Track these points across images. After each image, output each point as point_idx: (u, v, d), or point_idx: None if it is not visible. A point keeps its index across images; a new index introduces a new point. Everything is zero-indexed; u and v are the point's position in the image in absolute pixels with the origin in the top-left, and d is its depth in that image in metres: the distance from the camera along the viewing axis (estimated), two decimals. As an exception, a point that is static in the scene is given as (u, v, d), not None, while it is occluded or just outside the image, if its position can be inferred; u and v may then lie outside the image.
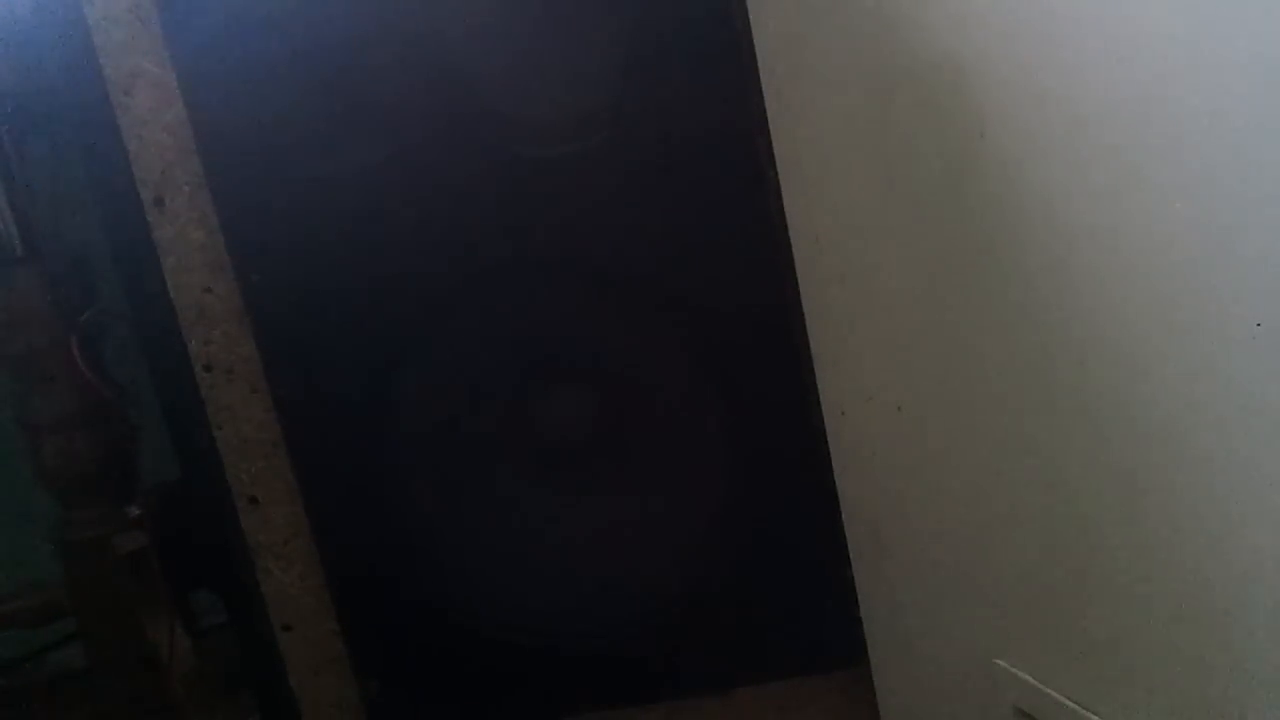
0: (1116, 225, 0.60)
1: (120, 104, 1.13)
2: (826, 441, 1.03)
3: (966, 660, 0.86)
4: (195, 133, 1.13)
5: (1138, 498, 0.63)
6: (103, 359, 1.22)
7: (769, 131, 0.99)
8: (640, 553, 1.22)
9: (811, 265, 0.98)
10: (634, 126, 1.12)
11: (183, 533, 1.24)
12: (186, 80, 1.12)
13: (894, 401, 0.88)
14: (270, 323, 1.17)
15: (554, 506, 1.22)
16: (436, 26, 1.11)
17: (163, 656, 1.19)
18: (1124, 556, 0.66)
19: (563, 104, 1.13)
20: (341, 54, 1.11)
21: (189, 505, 1.24)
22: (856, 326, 0.92)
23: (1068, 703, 0.74)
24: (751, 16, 0.96)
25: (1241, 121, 0.51)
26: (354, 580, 1.24)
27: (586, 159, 1.13)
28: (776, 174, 0.99)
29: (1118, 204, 0.59)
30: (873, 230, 0.85)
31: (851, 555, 1.04)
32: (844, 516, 1.04)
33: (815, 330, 1.00)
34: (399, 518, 1.22)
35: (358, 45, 1.11)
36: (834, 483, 1.04)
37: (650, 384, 1.20)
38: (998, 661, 0.81)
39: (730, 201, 1.13)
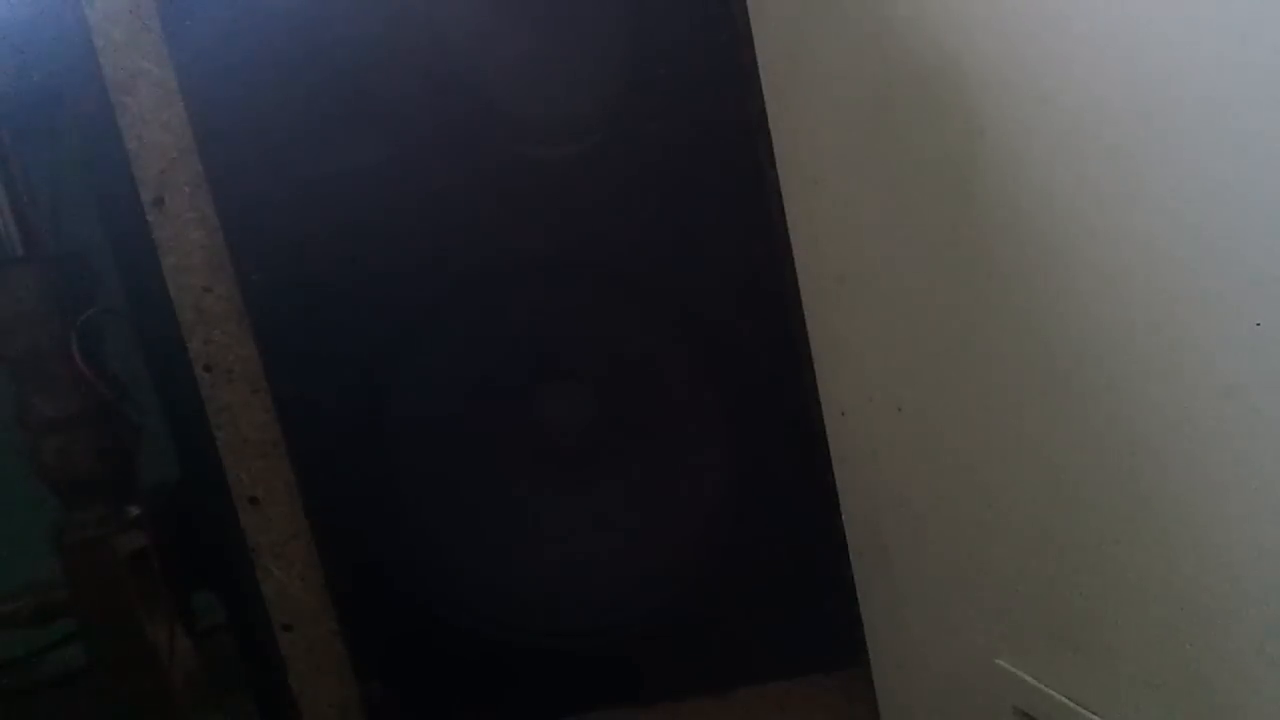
0: (1116, 224, 0.60)
1: (120, 104, 1.13)
2: (826, 441, 1.03)
3: (966, 660, 0.86)
4: (195, 133, 1.13)
5: (1138, 497, 0.63)
6: (103, 359, 1.22)
7: (769, 131, 0.99)
8: (640, 552, 1.22)
9: (811, 265, 0.98)
10: (634, 126, 1.12)
11: (183, 533, 1.24)
12: (186, 80, 1.12)
13: (894, 401, 0.88)
14: (270, 323, 1.17)
15: (554, 506, 1.22)
16: (437, 26, 1.11)
17: (163, 656, 1.19)
18: (1124, 556, 0.66)
19: (563, 104, 1.13)
20: (342, 54, 1.11)
21: (189, 505, 1.24)
22: (856, 326, 0.92)
23: (1068, 703, 0.74)
24: (751, 16, 0.96)
25: (1242, 121, 0.51)
26: (354, 580, 1.24)
27: (586, 159, 1.13)
28: (776, 174, 0.99)
29: (1117, 203, 0.59)
30: (873, 230, 0.85)
31: (851, 555, 1.04)
32: (844, 516, 1.04)
33: (815, 330, 1.01)
34: (399, 518, 1.22)
35: (358, 45, 1.11)
36: (834, 483, 1.04)
37: (650, 384, 1.20)
38: (998, 661, 0.81)
39: (730, 201, 1.13)
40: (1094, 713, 0.72)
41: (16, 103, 1.16)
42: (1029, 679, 0.78)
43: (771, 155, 0.99)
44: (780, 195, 1.00)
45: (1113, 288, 0.61)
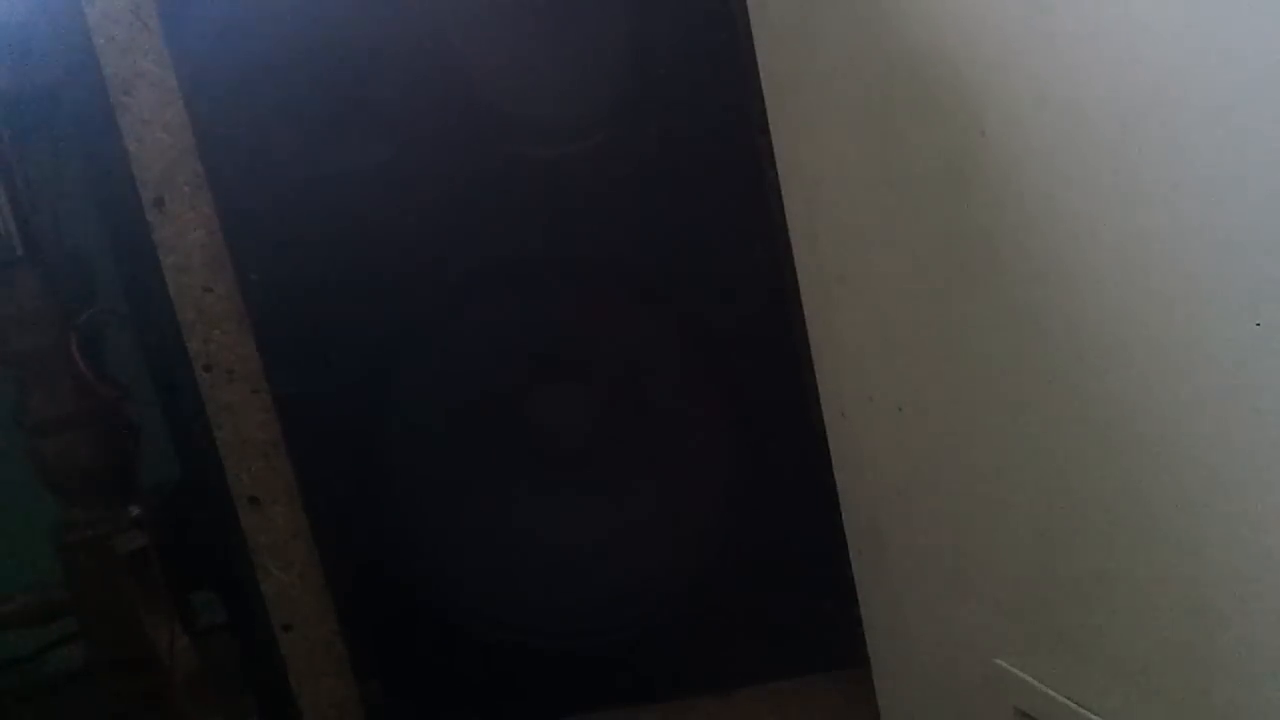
0: (1116, 224, 0.60)
1: (120, 104, 1.13)
2: (826, 441, 1.03)
3: (966, 660, 0.86)
4: (195, 133, 1.13)
5: (1138, 497, 0.63)
6: (103, 359, 1.21)
7: (769, 131, 0.99)
8: (640, 553, 1.22)
9: (811, 265, 0.98)
10: (634, 126, 1.12)
11: (183, 533, 1.24)
12: (186, 80, 1.12)
13: (894, 401, 0.88)
14: (270, 323, 1.17)
15: (554, 506, 1.22)
16: (437, 26, 1.11)
17: (163, 656, 1.19)
18: (1124, 556, 0.66)
19: (564, 104, 1.13)
20: (342, 54, 1.11)
21: (189, 505, 1.24)
22: (856, 326, 0.92)
23: (1068, 703, 0.74)
24: (751, 16, 0.96)
25: (1242, 121, 0.51)
26: (354, 580, 1.24)
27: (587, 159, 1.13)
28: (776, 174, 0.99)
29: (1118, 203, 0.59)
30: (873, 230, 0.85)
31: (851, 555, 1.04)
32: (844, 516, 1.04)
33: (815, 330, 1.00)
34: (399, 518, 1.22)
35: (358, 45, 1.11)
36: (834, 483, 1.04)
37: (650, 384, 1.20)
38: (998, 661, 0.81)
39: (730, 201, 1.13)
40: (1094, 713, 0.72)
41: (16, 103, 1.16)
42: (1029, 679, 0.78)
43: (771, 155, 0.99)
44: (780, 195, 1.00)
45: (1113, 288, 0.61)
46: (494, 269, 1.16)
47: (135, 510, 1.21)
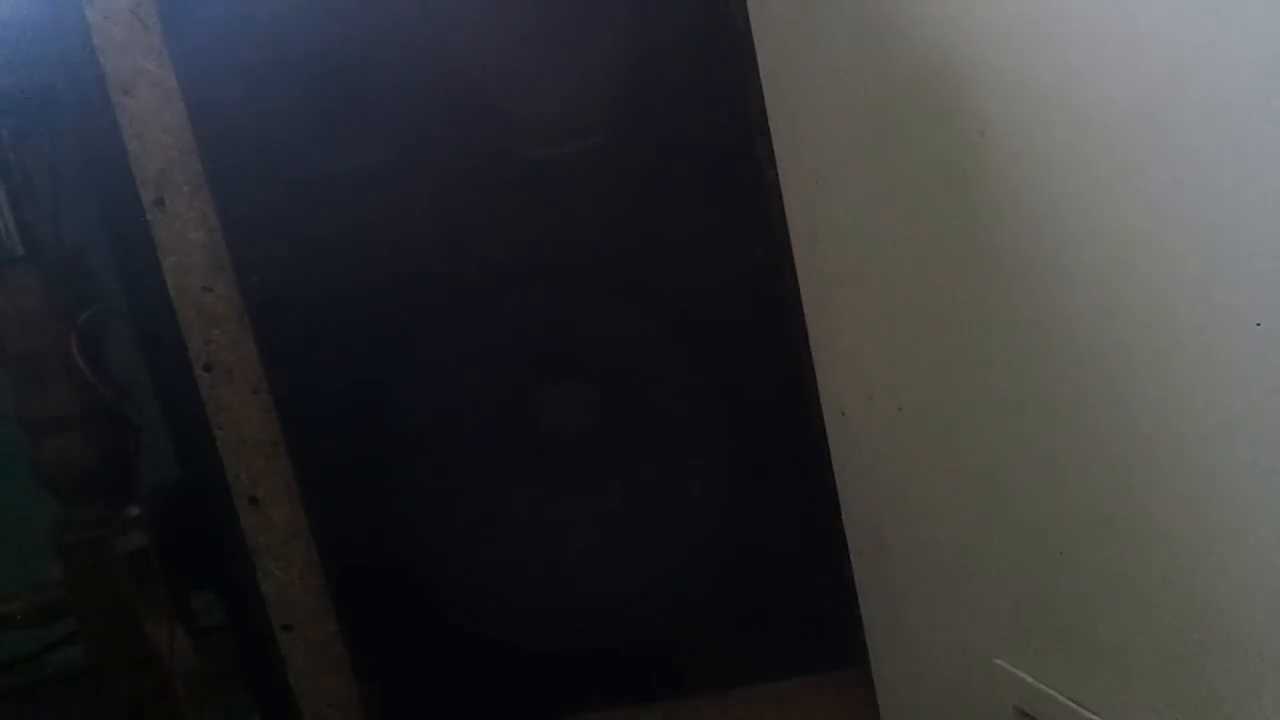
0: (1116, 225, 0.60)
1: (120, 104, 1.13)
2: (826, 441, 1.03)
3: (966, 660, 0.86)
4: (195, 133, 1.13)
5: (1138, 497, 0.63)
6: (103, 359, 1.21)
7: (769, 131, 0.99)
8: (640, 553, 1.22)
9: (811, 265, 0.98)
10: (634, 126, 1.12)
11: (183, 533, 1.24)
12: (186, 80, 1.12)
13: (894, 401, 0.88)
14: (270, 323, 1.17)
15: (554, 507, 1.22)
16: (437, 27, 1.11)
17: (163, 656, 1.19)
18: (1124, 556, 0.66)
19: (563, 104, 1.13)
20: (341, 54, 1.11)
21: (189, 505, 1.24)
22: (856, 326, 0.92)
23: (1068, 703, 0.74)
24: (751, 16, 0.96)
25: (1241, 121, 0.51)
26: (354, 580, 1.24)
27: (586, 159, 1.13)
28: (776, 174, 0.99)
29: (1117, 204, 0.59)
30: (873, 230, 0.85)
31: (851, 555, 1.04)
32: (844, 516, 1.04)
33: (815, 330, 1.01)
34: (398, 518, 1.22)
35: (358, 46, 1.11)
36: (834, 483, 1.04)
37: (650, 384, 1.20)
38: (998, 661, 0.81)
39: (730, 201, 1.13)
40: (1094, 713, 0.72)
41: (16, 102, 1.16)
42: (1029, 679, 0.78)
43: (771, 155, 0.99)
44: (780, 195, 1.00)
45: (1113, 287, 0.61)
46: (493, 269, 1.16)
47: (135, 510, 1.21)
